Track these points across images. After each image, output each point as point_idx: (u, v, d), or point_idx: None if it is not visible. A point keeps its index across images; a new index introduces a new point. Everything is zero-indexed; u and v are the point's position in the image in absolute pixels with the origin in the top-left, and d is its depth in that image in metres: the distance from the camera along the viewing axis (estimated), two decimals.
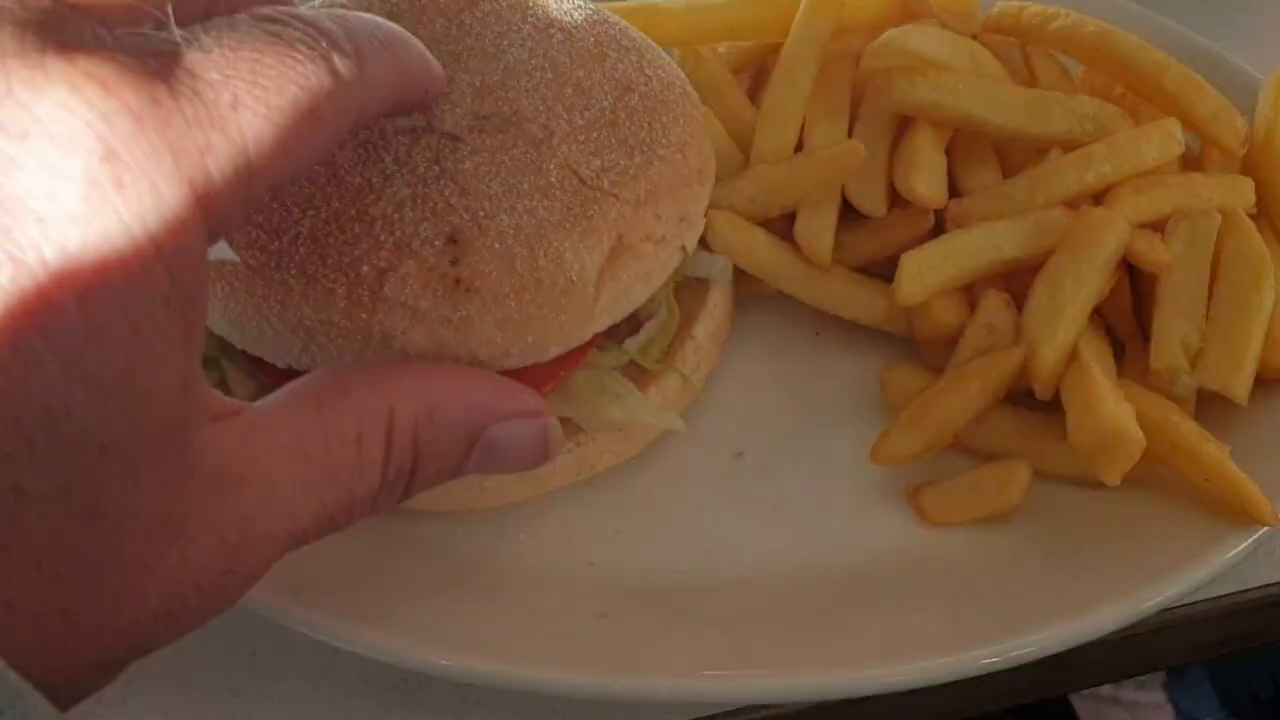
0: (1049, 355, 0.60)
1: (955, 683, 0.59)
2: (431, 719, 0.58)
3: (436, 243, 0.51)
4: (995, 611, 0.56)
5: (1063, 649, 0.55)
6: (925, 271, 0.61)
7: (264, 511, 0.38)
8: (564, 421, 0.61)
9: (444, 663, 0.54)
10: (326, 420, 0.40)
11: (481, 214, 0.52)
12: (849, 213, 0.69)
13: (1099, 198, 0.65)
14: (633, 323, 0.64)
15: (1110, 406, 0.56)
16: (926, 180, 0.64)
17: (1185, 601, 0.61)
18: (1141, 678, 1.44)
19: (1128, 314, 0.66)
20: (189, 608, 0.36)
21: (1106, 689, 1.43)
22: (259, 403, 0.41)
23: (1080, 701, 1.23)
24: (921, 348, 0.68)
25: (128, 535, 0.34)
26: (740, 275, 0.70)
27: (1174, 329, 0.62)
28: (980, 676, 0.59)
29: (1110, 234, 0.61)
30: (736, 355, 0.70)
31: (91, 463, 0.32)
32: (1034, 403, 0.63)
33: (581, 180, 0.53)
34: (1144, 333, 0.65)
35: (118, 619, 0.34)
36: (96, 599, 0.34)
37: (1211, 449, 0.57)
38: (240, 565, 0.37)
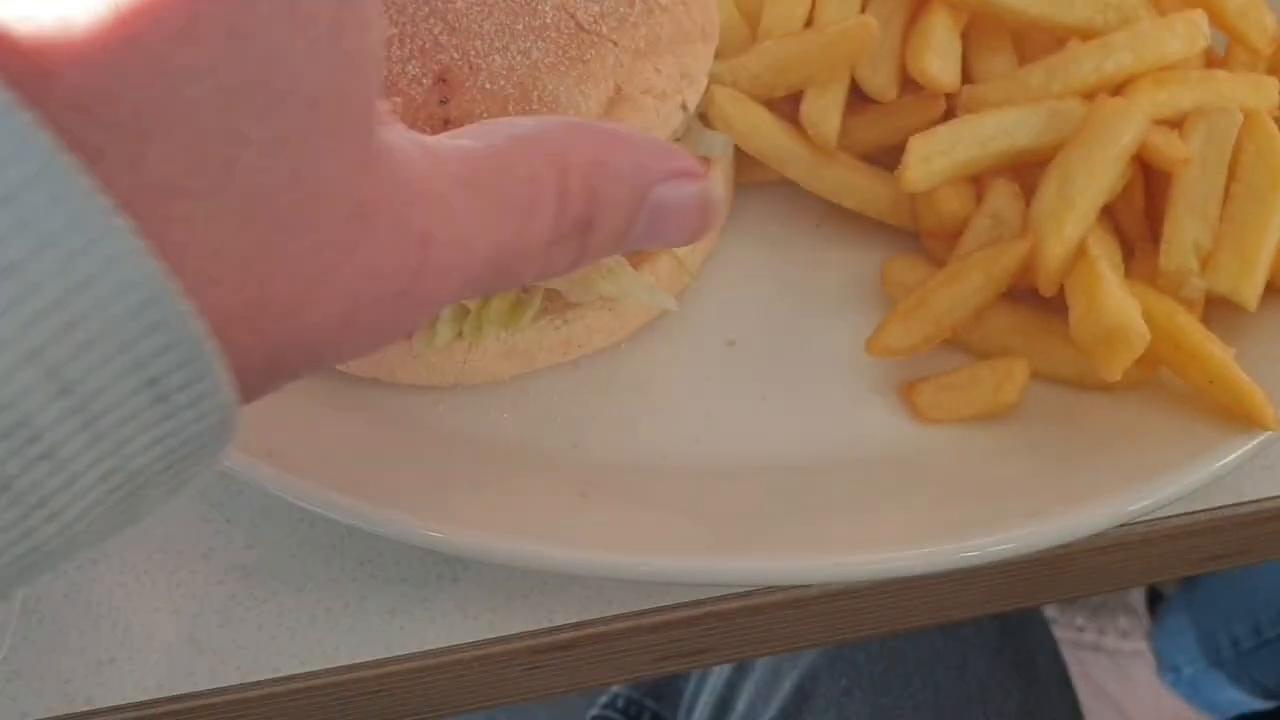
0: (1056, 249, 0.58)
1: (942, 584, 0.58)
2: (407, 591, 0.58)
3: (424, 81, 0.49)
4: (984, 506, 0.55)
5: (1051, 545, 0.54)
6: (933, 155, 0.59)
7: (443, 232, 0.34)
8: (551, 296, 0.60)
9: (421, 532, 0.53)
10: (496, 153, 0.36)
11: (473, 53, 0.50)
12: (858, 98, 0.66)
13: (1118, 91, 0.62)
14: None
15: (1115, 299, 0.54)
16: (940, 62, 0.61)
17: (1179, 511, 0.60)
18: (1124, 626, 1.45)
19: (1139, 215, 0.63)
20: (364, 322, 0.33)
21: (1090, 636, 1.44)
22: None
23: (1065, 649, 1.23)
24: (925, 241, 0.65)
25: (325, 212, 0.31)
26: (741, 161, 0.68)
27: (1186, 229, 0.60)
28: (968, 578, 0.59)
29: (1127, 124, 0.58)
30: (734, 243, 0.68)
31: (301, 116, 0.29)
32: (1036, 302, 0.61)
33: (579, 24, 0.51)
34: (1154, 236, 0.62)
35: (304, 311, 0.31)
36: (293, 277, 0.30)
37: (1216, 350, 0.56)
38: (417, 289, 0.34)
